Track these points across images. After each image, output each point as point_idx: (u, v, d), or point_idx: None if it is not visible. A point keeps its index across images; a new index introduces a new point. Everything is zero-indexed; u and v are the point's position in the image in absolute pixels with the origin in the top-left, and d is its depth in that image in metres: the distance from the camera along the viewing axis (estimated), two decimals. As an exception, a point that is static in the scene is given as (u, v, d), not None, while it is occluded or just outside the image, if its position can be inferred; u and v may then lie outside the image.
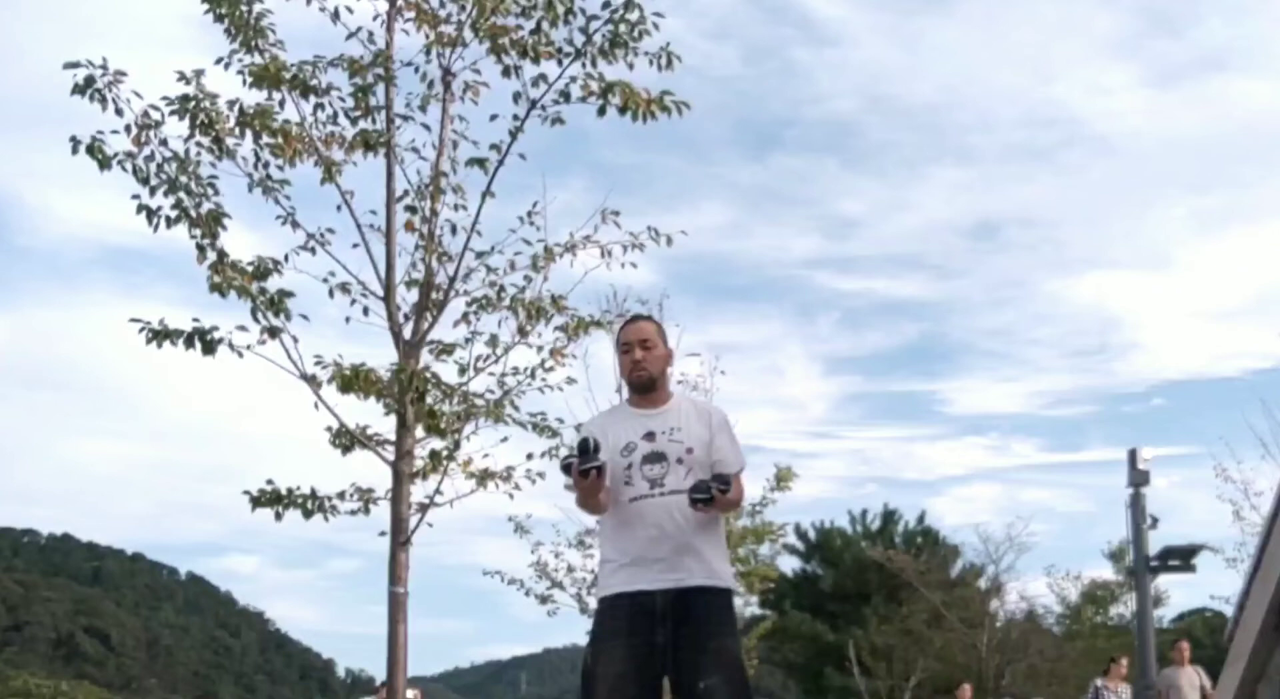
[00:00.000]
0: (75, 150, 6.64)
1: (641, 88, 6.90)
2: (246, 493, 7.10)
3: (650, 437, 3.96)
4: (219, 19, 7.06)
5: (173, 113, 6.86)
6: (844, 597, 32.92)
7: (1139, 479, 17.49)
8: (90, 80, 6.64)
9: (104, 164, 6.68)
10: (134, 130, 6.74)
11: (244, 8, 7.07)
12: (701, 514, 3.87)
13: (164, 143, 6.84)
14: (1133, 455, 17.52)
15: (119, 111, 6.72)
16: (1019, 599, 28.90)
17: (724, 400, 14.65)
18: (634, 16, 6.79)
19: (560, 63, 7.02)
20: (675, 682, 3.82)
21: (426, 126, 7.45)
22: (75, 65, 6.61)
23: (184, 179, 6.85)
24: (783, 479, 15.45)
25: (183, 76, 6.91)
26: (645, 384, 4.04)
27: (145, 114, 6.78)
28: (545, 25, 7.04)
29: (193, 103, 6.89)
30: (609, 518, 3.99)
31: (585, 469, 3.66)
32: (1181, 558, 17.74)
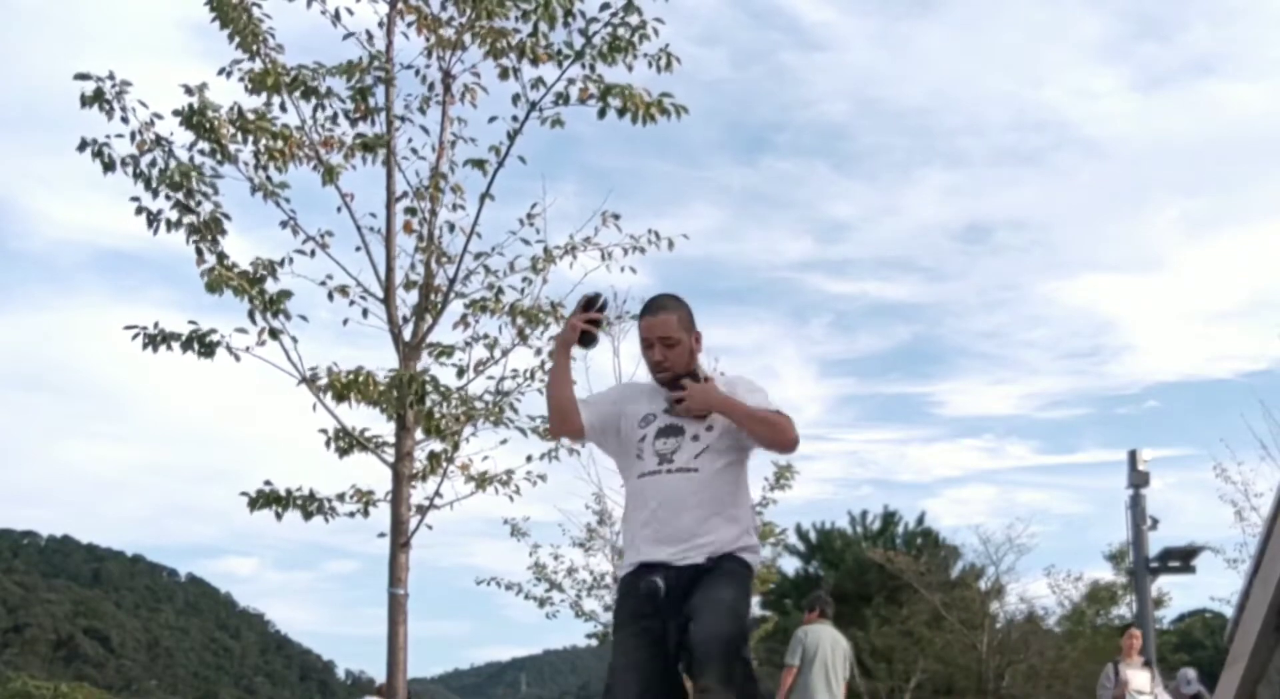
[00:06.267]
0: (82, 149, 6.64)
1: (641, 89, 6.90)
2: (244, 494, 7.08)
3: (672, 410, 3.77)
4: (225, 25, 7.04)
5: (181, 125, 6.86)
6: (844, 598, 32.85)
7: (1139, 480, 17.46)
8: (99, 92, 6.65)
9: (109, 167, 6.69)
10: (138, 137, 6.74)
11: (246, 13, 7.06)
12: (719, 487, 3.68)
13: (170, 152, 6.83)
14: (1133, 457, 17.48)
15: (124, 120, 6.73)
16: (1019, 600, 28.90)
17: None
18: (634, 20, 6.79)
19: (560, 65, 7.02)
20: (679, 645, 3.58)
21: (425, 129, 7.46)
22: (85, 77, 6.63)
23: (187, 183, 6.84)
24: (782, 476, 15.38)
25: (188, 90, 6.90)
26: (670, 384, 3.83)
27: (149, 124, 6.78)
28: (543, 28, 7.04)
29: (198, 115, 6.88)
30: (626, 496, 3.86)
31: (595, 308, 3.77)
32: (1181, 559, 17.73)
